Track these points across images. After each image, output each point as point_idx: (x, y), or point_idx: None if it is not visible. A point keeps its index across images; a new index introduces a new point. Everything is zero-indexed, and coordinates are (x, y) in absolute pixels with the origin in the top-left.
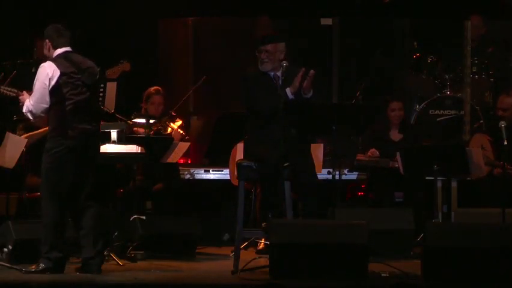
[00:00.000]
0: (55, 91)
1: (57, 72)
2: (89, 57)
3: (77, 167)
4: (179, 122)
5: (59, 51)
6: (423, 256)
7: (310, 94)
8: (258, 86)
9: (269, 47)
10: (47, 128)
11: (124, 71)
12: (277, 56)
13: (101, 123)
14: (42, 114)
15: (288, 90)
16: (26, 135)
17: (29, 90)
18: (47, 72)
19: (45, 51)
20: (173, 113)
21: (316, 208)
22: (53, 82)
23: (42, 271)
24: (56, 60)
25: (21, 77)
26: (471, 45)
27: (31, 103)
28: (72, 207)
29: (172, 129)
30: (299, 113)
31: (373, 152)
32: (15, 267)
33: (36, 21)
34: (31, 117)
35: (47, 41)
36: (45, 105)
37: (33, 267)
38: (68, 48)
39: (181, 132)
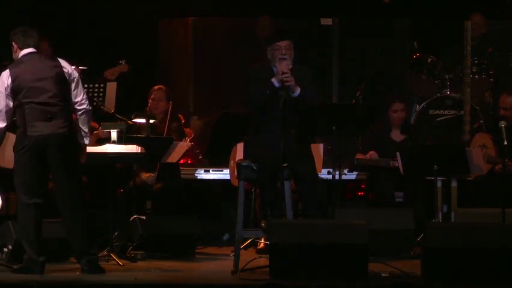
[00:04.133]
0: (13, 96)
1: (10, 79)
2: (89, 57)
3: (44, 166)
4: (191, 135)
5: (23, 52)
6: (423, 256)
7: (297, 92)
8: (260, 80)
9: (285, 43)
10: None
11: (122, 72)
12: (292, 53)
13: (101, 123)
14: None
15: (273, 79)
16: None
17: None
18: (4, 81)
19: (14, 55)
20: (181, 117)
21: (317, 208)
22: (9, 89)
23: (15, 271)
24: (14, 65)
25: None
26: (471, 43)
27: None
28: (59, 207)
29: (185, 137)
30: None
31: (372, 154)
32: (15, 267)
33: (37, 21)
34: None
35: (13, 43)
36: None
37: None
38: (31, 50)
39: (189, 144)
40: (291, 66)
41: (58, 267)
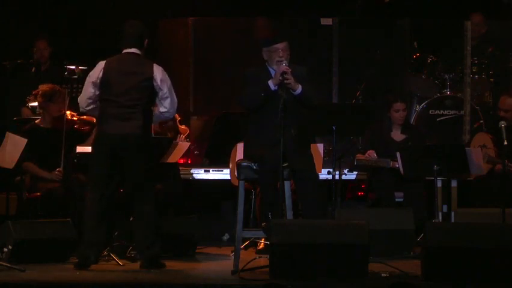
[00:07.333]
0: (99, 89)
1: (102, 72)
2: (89, 57)
3: (116, 164)
4: (186, 132)
5: (124, 50)
6: (423, 256)
7: (298, 90)
8: (257, 82)
9: (282, 45)
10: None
11: None
12: (289, 53)
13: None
14: (86, 108)
15: (270, 82)
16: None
17: (27, 89)
18: (97, 72)
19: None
20: (176, 115)
21: (316, 208)
22: (98, 80)
23: (75, 265)
24: (112, 60)
25: (21, 77)
26: (471, 43)
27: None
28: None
29: (180, 134)
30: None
31: (370, 153)
32: (15, 267)
33: (36, 22)
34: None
35: None
36: (88, 99)
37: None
38: (130, 50)
39: (187, 143)
40: (289, 69)
41: (58, 267)
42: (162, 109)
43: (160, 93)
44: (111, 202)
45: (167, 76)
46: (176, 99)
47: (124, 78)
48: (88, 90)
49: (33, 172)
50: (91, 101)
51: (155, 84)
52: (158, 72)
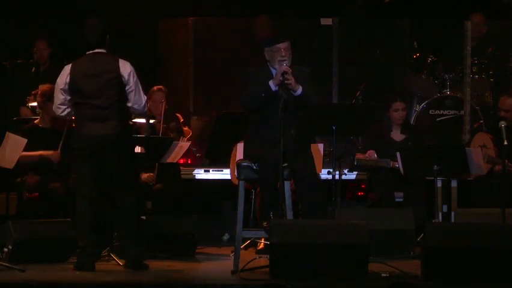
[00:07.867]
0: (70, 94)
1: (69, 77)
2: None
3: (99, 164)
4: (189, 134)
5: (89, 51)
6: (423, 256)
7: (299, 91)
8: (258, 82)
9: (284, 45)
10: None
11: None
12: (291, 53)
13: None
14: (61, 113)
15: (271, 82)
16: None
17: (27, 89)
18: (63, 78)
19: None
20: (179, 116)
21: (317, 208)
22: (66, 86)
23: (75, 266)
24: (77, 63)
25: (21, 77)
26: (471, 43)
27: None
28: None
29: (183, 137)
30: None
31: (370, 153)
32: (15, 267)
33: (36, 22)
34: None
35: None
36: (60, 105)
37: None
38: (96, 50)
39: (187, 143)
40: (289, 69)
41: (58, 267)
42: (129, 103)
43: (127, 87)
44: (101, 202)
45: (133, 70)
46: (143, 94)
47: (93, 79)
48: (58, 97)
49: (29, 157)
50: (64, 106)
51: (123, 79)
52: (124, 66)
